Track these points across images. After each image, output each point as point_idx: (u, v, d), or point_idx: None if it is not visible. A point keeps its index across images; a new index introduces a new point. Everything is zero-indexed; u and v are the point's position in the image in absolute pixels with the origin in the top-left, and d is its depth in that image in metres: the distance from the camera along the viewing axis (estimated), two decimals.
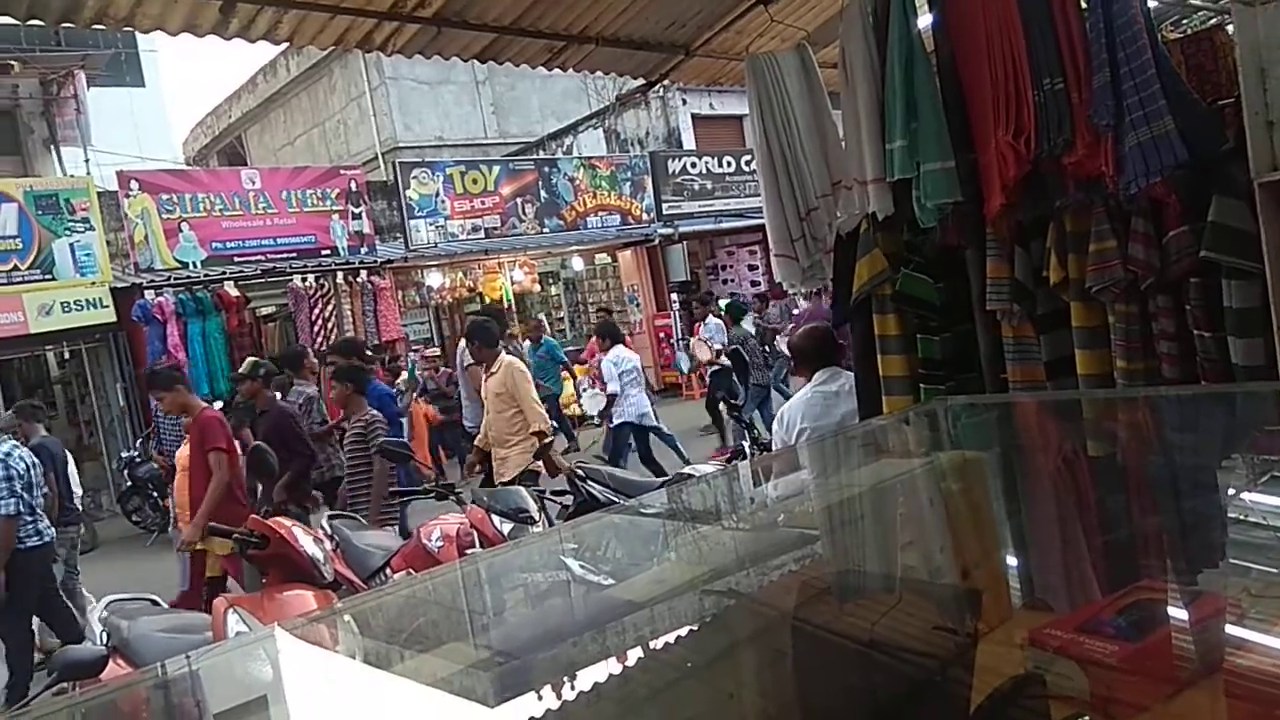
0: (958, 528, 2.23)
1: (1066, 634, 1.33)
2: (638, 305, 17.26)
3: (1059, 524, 2.25)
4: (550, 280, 17.99)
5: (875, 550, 2.21)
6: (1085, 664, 1.26)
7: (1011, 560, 2.07)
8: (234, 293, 12.07)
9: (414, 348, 14.06)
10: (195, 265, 12.12)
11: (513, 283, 15.57)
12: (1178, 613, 1.45)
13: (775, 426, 3.76)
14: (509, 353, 6.65)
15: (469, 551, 4.25)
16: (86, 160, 15.54)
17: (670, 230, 16.83)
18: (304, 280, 12.54)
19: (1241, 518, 1.96)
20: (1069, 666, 1.27)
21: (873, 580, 2.02)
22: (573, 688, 1.52)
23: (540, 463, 5.88)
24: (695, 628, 1.89)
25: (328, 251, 13.14)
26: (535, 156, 17.95)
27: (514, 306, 16.00)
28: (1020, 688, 1.11)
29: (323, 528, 5.25)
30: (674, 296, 17.02)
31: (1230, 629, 1.41)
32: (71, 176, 13.62)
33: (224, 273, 12.20)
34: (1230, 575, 1.69)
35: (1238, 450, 2.35)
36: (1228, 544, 1.87)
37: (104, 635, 3.86)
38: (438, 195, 14.37)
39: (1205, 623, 1.41)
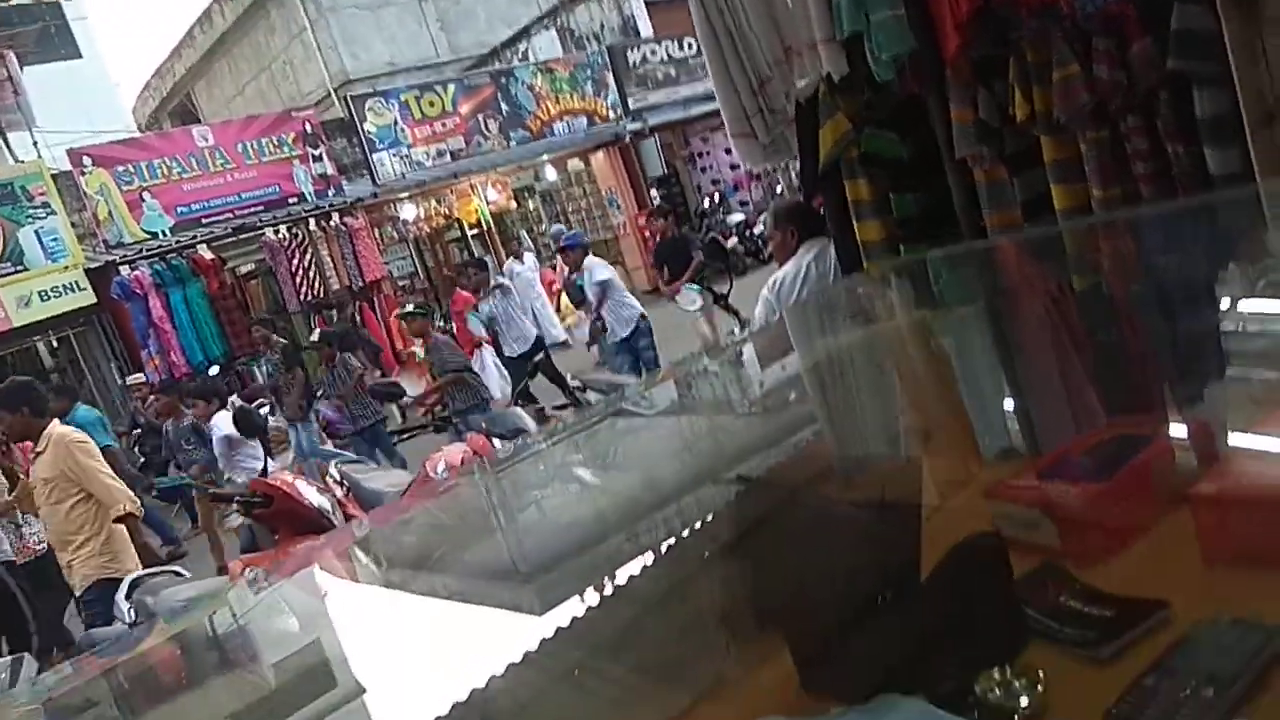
0: (942, 386, 2.20)
1: (1027, 483, 1.30)
2: (618, 207, 17.01)
3: (1052, 368, 2.21)
4: (526, 195, 17.69)
5: (847, 418, 2.19)
6: (1049, 511, 1.23)
7: (996, 413, 2.04)
8: (208, 255, 11.93)
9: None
10: (164, 233, 11.94)
11: (488, 203, 15.33)
12: (1151, 444, 1.41)
13: (766, 295, 3.69)
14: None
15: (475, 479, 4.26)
16: (35, 143, 15.13)
17: (640, 125, 16.46)
18: (276, 232, 12.35)
19: (1239, 328, 1.92)
20: (1033, 516, 1.24)
21: (856, 449, 2.00)
22: (597, 590, 1.53)
23: (116, 565, 4.43)
24: (705, 520, 1.87)
25: (294, 199, 12.92)
26: (490, 68, 17.42)
27: (493, 228, 15.79)
28: (969, 549, 1.09)
29: (332, 475, 5.29)
30: (653, 193, 16.74)
31: (1219, 446, 1.39)
32: (22, 163, 13.30)
33: (194, 236, 12.03)
34: (1231, 387, 1.67)
35: (1229, 260, 2.30)
36: (1227, 358, 1.83)
37: (131, 612, 3.91)
38: (396, 124, 14.02)
39: (1180, 450, 1.38)
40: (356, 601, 1.94)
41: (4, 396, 4.66)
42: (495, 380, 8.00)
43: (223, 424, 6.70)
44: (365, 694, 1.54)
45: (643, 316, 7.59)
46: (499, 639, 1.49)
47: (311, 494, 3.72)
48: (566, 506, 2.45)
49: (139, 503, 4.46)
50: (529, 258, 13.04)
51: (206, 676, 1.80)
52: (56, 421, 4.68)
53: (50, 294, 11.25)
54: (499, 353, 8.62)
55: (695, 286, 7.96)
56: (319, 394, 7.92)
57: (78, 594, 4.60)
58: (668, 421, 2.71)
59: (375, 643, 1.72)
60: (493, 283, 9.15)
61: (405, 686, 1.50)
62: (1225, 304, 2.05)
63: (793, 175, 16.64)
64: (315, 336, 8.44)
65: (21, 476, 5.07)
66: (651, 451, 2.64)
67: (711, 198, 17.45)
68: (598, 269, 7.82)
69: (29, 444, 4.76)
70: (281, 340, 9.93)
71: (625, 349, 7.58)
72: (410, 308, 7.52)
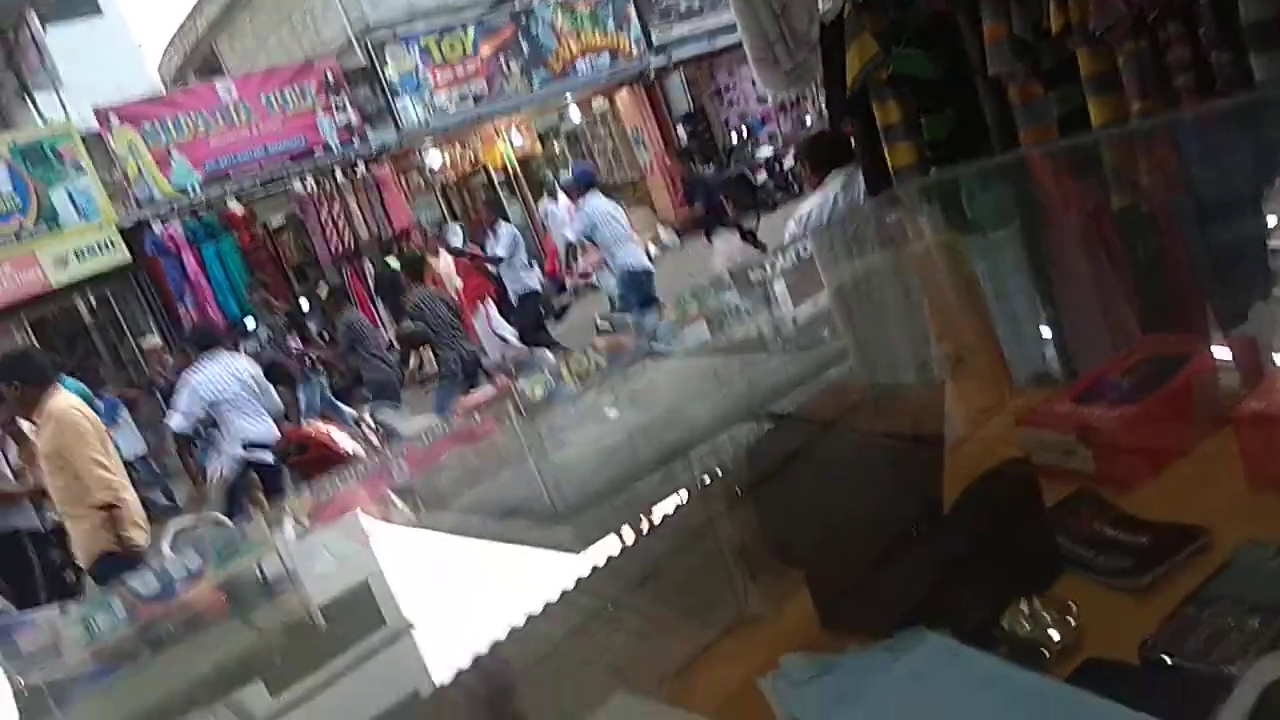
0: (973, 310, 2.14)
1: (1061, 407, 1.23)
2: (644, 146, 16.74)
3: (1088, 287, 2.14)
4: (551, 137, 17.47)
5: (875, 345, 2.14)
6: (1084, 436, 1.17)
7: (1030, 336, 1.98)
8: (238, 209, 11.98)
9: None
10: (194, 189, 11.99)
11: (513, 146, 15.17)
12: (1191, 364, 1.34)
13: (792, 228, 3.71)
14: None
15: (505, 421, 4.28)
16: (62, 103, 15.16)
17: (664, 60, 16.12)
18: (304, 184, 12.34)
19: None
20: (1068, 441, 1.19)
21: (883, 377, 1.96)
22: (632, 528, 1.53)
23: (123, 536, 4.36)
24: (736, 456, 1.85)
25: (320, 150, 12.87)
26: (510, 8, 17.09)
27: (519, 172, 15.63)
28: (995, 478, 1.04)
29: (367, 422, 5.35)
30: (679, 129, 16.45)
31: (1264, 364, 1.32)
32: (50, 124, 13.36)
33: (223, 191, 12.06)
34: (1276, 303, 1.60)
35: (1275, 171, 2.20)
36: (1273, 273, 1.76)
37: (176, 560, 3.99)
38: (418, 69, 13.87)
39: (1222, 370, 1.31)
40: (396, 542, 1.96)
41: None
42: (506, 330, 8.01)
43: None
44: (412, 630, 1.55)
45: (628, 271, 7.15)
46: (535, 577, 1.50)
47: (345, 441, 3.78)
48: (599, 446, 2.44)
49: (119, 495, 4.38)
50: (563, 196, 12.88)
51: (253, 619, 1.83)
52: (62, 393, 4.49)
53: (86, 253, 11.38)
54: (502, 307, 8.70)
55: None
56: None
57: (85, 567, 4.54)
58: (695, 360, 2.68)
59: (417, 582, 1.73)
60: (500, 237, 9.17)
61: (448, 623, 1.51)
62: (1271, 217, 1.96)
63: (822, 105, 16.25)
64: (323, 293, 8.27)
65: (32, 439, 5.07)
66: (681, 388, 2.62)
67: (739, 133, 17.12)
68: (578, 218, 7.38)
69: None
70: (280, 304, 9.96)
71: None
72: (388, 261, 7.23)
